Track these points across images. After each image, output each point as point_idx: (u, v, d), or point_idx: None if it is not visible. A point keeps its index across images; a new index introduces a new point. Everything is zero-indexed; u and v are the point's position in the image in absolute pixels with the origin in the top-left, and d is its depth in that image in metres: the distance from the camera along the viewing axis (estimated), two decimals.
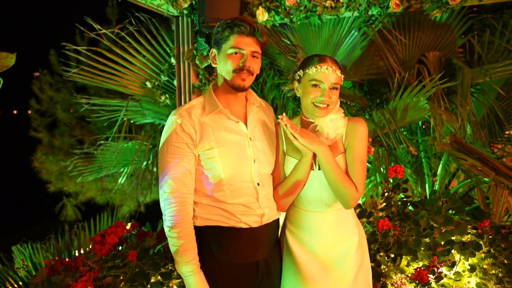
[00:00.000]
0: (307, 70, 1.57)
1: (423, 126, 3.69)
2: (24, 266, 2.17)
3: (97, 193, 7.19)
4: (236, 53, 1.52)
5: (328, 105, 1.57)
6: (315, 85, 1.56)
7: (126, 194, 6.67)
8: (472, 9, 3.35)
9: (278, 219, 1.72)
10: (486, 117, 3.32)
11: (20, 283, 3.18)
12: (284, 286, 1.69)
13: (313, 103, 1.57)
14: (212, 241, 1.57)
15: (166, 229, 1.52)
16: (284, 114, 1.55)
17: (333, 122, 1.60)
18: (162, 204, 1.54)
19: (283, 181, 1.66)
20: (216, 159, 1.53)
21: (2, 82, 1.14)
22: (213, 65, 1.63)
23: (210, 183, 1.56)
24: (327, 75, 1.54)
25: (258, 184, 1.59)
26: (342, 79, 1.61)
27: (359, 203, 2.37)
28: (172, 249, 1.52)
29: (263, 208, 1.60)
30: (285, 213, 1.78)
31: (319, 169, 1.61)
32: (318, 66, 1.55)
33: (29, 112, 7.88)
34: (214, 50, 1.60)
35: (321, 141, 1.57)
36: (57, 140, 7.40)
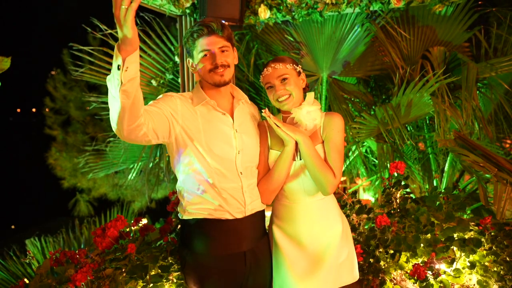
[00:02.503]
0: (262, 73, 1.78)
1: (430, 122, 3.65)
2: (31, 258, 2.28)
3: (109, 189, 7.35)
4: (206, 54, 1.63)
5: (290, 96, 1.72)
6: (270, 87, 1.75)
7: (137, 190, 6.80)
8: (477, 2, 3.28)
9: (263, 211, 1.78)
10: (493, 113, 3.25)
11: (33, 275, 3.29)
12: (275, 282, 1.75)
13: (276, 100, 1.75)
14: (199, 233, 1.63)
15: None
16: (266, 108, 1.67)
17: (310, 114, 1.73)
18: None
19: (267, 173, 1.75)
20: (203, 147, 1.60)
21: (0, 84, 1.19)
22: (194, 72, 1.73)
23: (198, 172, 1.62)
24: (271, 73, 1.72)
25: (241, 173, 1.66)
26: (292, 70, 1.74)
27: (359, 199, 2.37)
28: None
29: (246, 197, 1.66)
30: (271, 209, 1.84)
31: (300, 158, 1.72)
32: (268, 68, 1.73)
33: (47, 110, 8.07)
34: (190, 59, 1.71)
35: (302, 130, 1.71)
36: (71, 137, 7.59)
